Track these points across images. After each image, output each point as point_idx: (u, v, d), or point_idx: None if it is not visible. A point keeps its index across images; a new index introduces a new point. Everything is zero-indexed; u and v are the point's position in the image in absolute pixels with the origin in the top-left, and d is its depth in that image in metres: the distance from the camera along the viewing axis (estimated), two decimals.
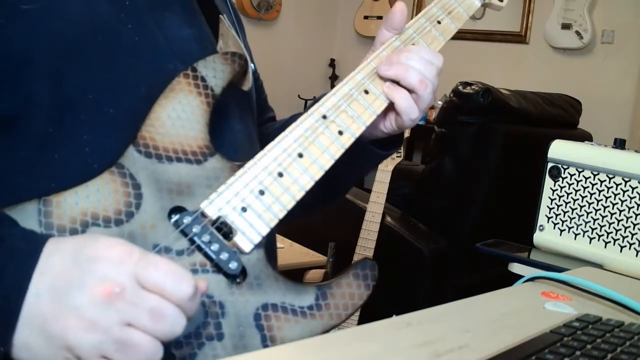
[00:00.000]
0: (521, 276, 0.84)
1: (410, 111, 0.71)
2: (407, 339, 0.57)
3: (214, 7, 0.78)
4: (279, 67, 4.54)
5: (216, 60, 0.64)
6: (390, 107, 0.72)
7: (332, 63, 4.93)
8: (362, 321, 2.18)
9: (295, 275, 1.38)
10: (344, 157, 0.67)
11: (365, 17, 4.71)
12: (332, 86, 4.80)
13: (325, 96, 0.68)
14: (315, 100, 0.71)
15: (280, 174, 0.63)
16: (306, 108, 0.74)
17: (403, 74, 0.70)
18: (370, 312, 2.16)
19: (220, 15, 0.77)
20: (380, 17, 4.62)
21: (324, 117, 0.67)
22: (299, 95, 4.56)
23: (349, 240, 2.22)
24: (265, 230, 0.61)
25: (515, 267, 1.10)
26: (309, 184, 0.64)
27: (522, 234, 1.26)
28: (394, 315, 0.64)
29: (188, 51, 0.68)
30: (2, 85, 0.58)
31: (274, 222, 0.62)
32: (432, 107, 3.82)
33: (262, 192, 0.62)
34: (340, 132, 0.67)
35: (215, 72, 0.64)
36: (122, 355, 0.48)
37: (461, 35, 4.33)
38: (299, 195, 0.63)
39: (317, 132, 0.66)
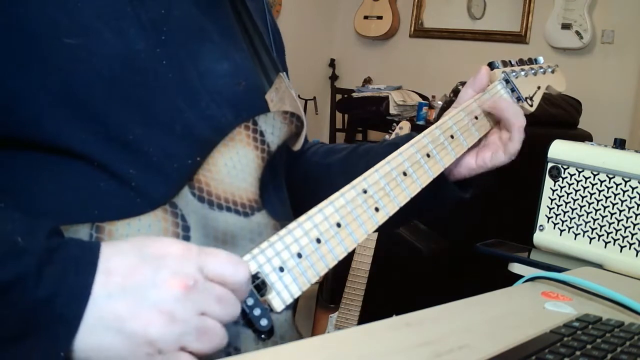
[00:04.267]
0: (521, 276, 0.84)
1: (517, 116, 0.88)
2: (407, 339, 0.57)
3: (256, 28, 0.78)
4: None
5: (276, 117, 0.66)
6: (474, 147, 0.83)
7: (332, 63, 4.92)
8: (362, 321, 2.18)
9: None
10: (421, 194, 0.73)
11: (365, 17, 4.70)
12: (332, 86, 4.81)
13: (368, 171, 0.71)
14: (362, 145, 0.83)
15: (319, 240, 0.65)
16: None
17: (500, 106, 0.84)
18: (370, 312, 2.15)
19: (280, 73, 0.77)
20: (380, 17, 4.61)
21: (365, 191, 0.70)
22: (299, 95, 4.54)
23: None
24: (297, 293, 0.62)
25: (515, 267, 1.10)
26: (342, 254, 0.66)
27: (522, 234, 1.26)
28: (394, 315, 0.64)
29: (219, 89, 0.68)
30: (52, 118, 0.58)
31: (306, 286, 0.63)
32: (432, 107, 3.81)
33: (300, 255, 0.63)
34: (377, 209, 0.70)
35: (273, 128, 0.66)
36: (200, 343, 0.51)
37: (461, 35, 4.35)
38: (332, 264, 0.65)
39: (356, 204, 0.68)
